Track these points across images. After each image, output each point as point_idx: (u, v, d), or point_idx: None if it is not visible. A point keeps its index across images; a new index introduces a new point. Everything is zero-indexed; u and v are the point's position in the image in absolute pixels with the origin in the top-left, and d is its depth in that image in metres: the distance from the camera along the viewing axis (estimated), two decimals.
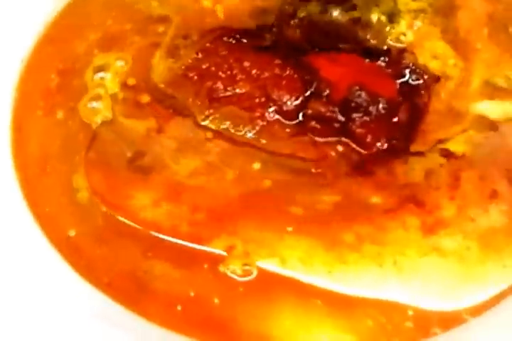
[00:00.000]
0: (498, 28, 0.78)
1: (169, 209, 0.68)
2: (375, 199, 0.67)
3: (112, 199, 0.69)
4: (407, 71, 0.73)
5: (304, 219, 0.66)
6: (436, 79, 0.73)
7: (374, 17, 0.75)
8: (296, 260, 0.64)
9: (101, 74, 0.75)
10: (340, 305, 0.64)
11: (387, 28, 0.76)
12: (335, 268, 0.64)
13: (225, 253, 0.65)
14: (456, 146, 0.70)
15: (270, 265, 0.64)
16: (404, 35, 0.76)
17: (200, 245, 0.66)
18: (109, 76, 0.75)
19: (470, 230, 0.66)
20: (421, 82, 0.73)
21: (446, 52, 0.76)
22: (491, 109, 0.73)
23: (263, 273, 0.65)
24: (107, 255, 0.68)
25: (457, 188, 0.68)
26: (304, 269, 0.64)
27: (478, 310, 0.64)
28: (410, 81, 0.73)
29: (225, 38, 0.75)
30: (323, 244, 0.65)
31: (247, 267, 0.65)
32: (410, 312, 0.63)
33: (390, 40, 0.76)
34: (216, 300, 0.64)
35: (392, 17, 0.76)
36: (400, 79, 0.73)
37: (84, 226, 0.69)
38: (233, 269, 0.65)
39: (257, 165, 0.68)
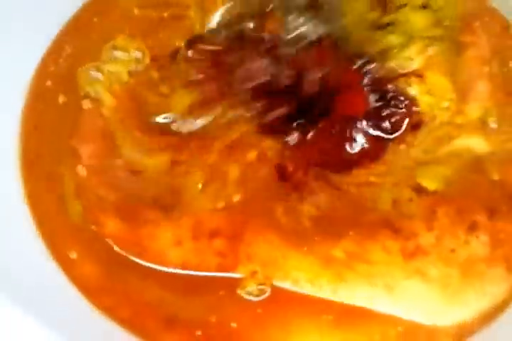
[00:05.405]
0: (498, 65, 0.77)
1: (194, 245, 0.70)
2: (351, 217, 0.71)
3: (134, 244, 0.70)
4: (389, 95, 0.74)
5: (299, 235, 0.70)
6: (415, 126, 0.73)
7: (391, 37, 0.73)
8: (305, 281, 0.70)
9: (117, 54, 0.76)
10: (349, 320, 0.69)
11: (395, 51, 0.74)
12: (339, 287, 0.70)
13: (240, 276, 0.70)
14: (427, 182, 0.72)
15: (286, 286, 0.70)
16: (411, 59, 0.74)
17: (227, 273, 0.70)
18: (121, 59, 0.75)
19: (450, 259, 0.70)
20: (398, 110, 0.73)
21: (446, 91, 0.74)
22: (476, 145, 0.74)
23: (277, 291, 0.70)
24: (119, 288, 0.70)
25: (434, 221, 0.71)
26: (313, 290, 0.70)
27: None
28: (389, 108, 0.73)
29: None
30: (319, 262, 0.70)
31: (261, 286, 0.70)
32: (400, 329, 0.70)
33: (394, 62, 0.75)
34: (234, 324, 0.69)
35: (407, 40, 0.73)
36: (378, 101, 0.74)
37: (88, 254, 0.71)
38: (249, 291, 0.69)
39: None
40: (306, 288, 0.70)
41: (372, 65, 0.75)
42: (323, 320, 0.69)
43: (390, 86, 0.74)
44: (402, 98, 0.74)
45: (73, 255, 0.71)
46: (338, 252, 0.70)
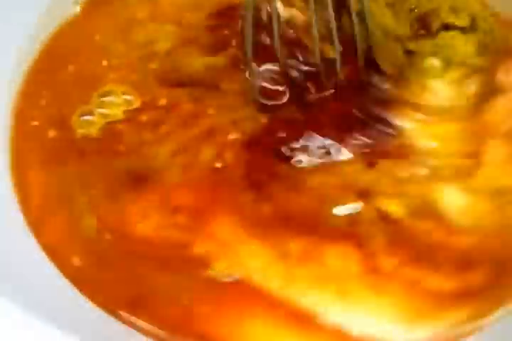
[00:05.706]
0: None
1: (158, 218, 0.69)
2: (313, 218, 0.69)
3: (116, 226, 0.69)
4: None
5: (260, 223, 0.69)
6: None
7: (428, 61, 0.68)
8: (256, 270, 0.67)
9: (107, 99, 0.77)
10: (298, 322, 0.66)
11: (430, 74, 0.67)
12: (289, 283, 0.67)
13: (207, 257, 0.67)
14: (393, 207, 0.68)
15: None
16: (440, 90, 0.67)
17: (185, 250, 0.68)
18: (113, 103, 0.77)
19: (413, 289, 0.66)
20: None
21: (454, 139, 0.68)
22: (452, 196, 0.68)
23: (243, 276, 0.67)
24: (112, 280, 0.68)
25: (395, 247, 0.67)
26: (263, 281, 0.68)
27: None
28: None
29: None
30: (274, 255, 0.68)
31: (230, 266, 0.68)
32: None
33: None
34: (203, 308, 0.66)
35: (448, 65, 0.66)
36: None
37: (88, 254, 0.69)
38: (218, 271, 0.67)
39: None
40: (257, 278, 0.68)
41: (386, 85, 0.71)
42: (276, 315, 0.67)
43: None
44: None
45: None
46: (295, 247, 0.68)
